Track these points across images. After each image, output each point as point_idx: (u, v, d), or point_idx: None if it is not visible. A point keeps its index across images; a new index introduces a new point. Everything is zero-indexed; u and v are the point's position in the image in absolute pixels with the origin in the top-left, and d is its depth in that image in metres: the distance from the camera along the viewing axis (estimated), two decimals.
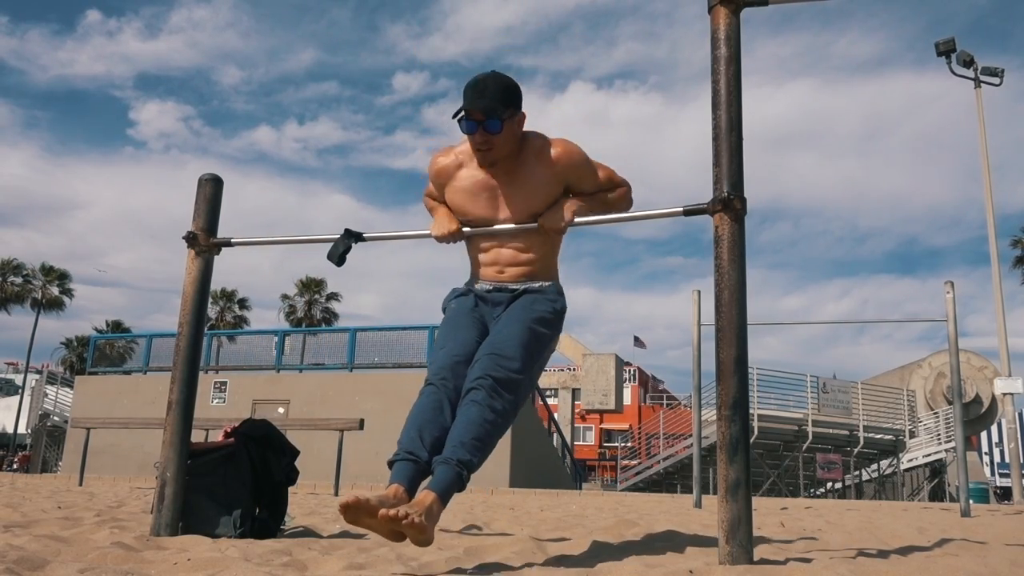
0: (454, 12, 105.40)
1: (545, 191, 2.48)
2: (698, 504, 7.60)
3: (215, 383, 17.02)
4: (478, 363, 2.33)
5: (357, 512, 1.96)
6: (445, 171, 2.57)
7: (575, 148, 2.50)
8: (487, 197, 2.51)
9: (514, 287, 2.54)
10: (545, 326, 2.47)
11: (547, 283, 2.57)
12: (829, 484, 25.40)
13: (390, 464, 2.26)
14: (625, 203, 2.61)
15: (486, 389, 2.26)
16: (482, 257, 2.60)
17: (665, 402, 42.20)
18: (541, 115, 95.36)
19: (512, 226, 2.51)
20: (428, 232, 2.58)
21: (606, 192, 2.57)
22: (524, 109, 2.45)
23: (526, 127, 2.50)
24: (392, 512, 1.92)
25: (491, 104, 2.34)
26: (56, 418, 24.90)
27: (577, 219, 2.47)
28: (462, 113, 2.38)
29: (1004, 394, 20.55)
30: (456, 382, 2.35)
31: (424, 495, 2.06)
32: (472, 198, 2.53)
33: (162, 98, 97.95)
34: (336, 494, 8.43)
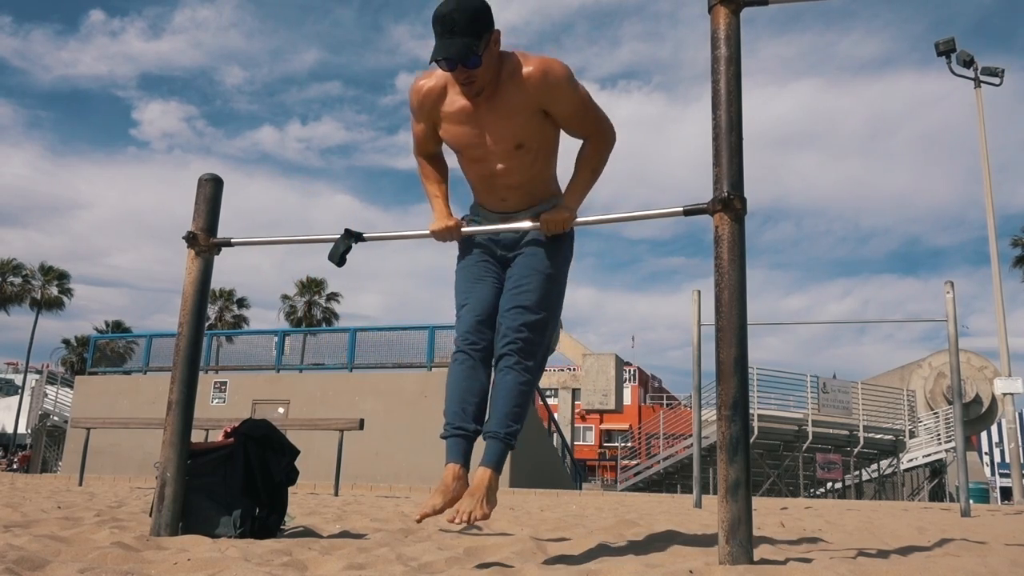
0: None
1: (524, 116, 2.41)
2: (698, 504, 7.60)
3: (215, 383, 17.00)
4: (503, 322, 2.46)
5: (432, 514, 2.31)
6: (431, 95, 2.49)
7: (553, 66, 2.37)
8: (472, 124, 2.46)
9: (520, 214, 2.54)
10: (558, 266, 2.53)
11: (549, 204, 2.54)
12: (829, 484, 25.39)
13: (443, 437, 2.46)
14: (604, 152, 2.53)
15: (516, 353, 2.42)
16: (479, 184, 2.58)
17: (665, 402, 42.19)
18: None
19: (511, 226, 2.51)
20: (427, 232, 2.58)
21: (583, 153, 2.52)
22: (496, 26, 2.35)
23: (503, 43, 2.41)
24: (458, 520, 2.18)
25: (465, 42, 2.25)
26: (56, 418, 24.88)
27: (579, 219, 2.47)
28: (439, 58, 2.29)
29: (1004, 394, 20.54)
30: (483, 342, 2.50)
31: (481, 473, 2.31)
32: (459, 127, 2.48)
33: (165, 98, 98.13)
34: (336, 494, 8.43)
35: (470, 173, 2.59)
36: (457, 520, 2.17)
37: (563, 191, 2.56)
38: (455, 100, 2.46)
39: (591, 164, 2.54)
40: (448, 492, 2.31)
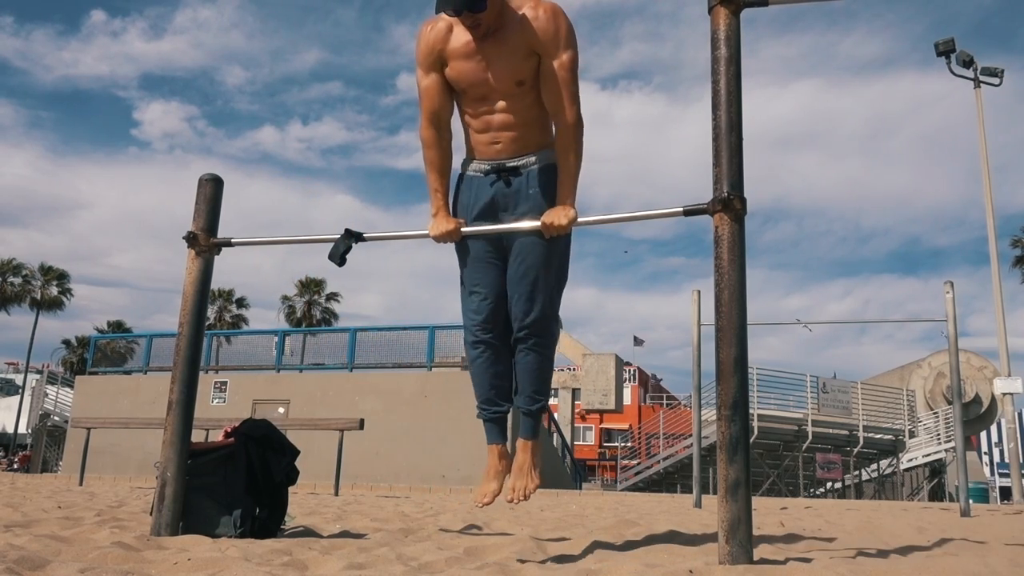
0: None
1: (521, 57, 2.46)
2: (698, 504, 7.60)
3: (215, 383, 17.00)
4: (515, 306, 2.57)
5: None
6: (438, 35, 2.53)
7: (558, 14, 2.44)
8: (476, 62, 2.50)
9: (512, 164, 2.56)
10: (559, 241, 2.55)
11: (545, 157, 2.57)
12: (829, 484, 25.39)
13: (480, 418, 2.70)
14: (578, 143, 2.53)
15: (534, 335, 2.57)
16: (475, 127, 2.60)
17: (665, 402, 42.18)
18: None
19: (512, 226, 2.52)
20: (427, 232, 2.59)
21: (562, 147, 2.53)
22: None
23: None
24: (516, 499, 2.53)
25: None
26: (56, 418, 24.87)
27: (580, 220, 2.47)
28: (447, 8, 2.35)
29: (1004, 394, 20.54)
30: (497, 327, 2.62)
31: (522, 447, 2.62)
32: (463, 64, 2.52)
33: (166, 98, 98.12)
34: (336, 494, 8.43)
35: (469, 115, 2.60)
36: (516, 499, 2.48)
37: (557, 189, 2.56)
38: (460, 36, 2.51)
39: (571, 151, 2.53)
40: (499, 474, 2.61)
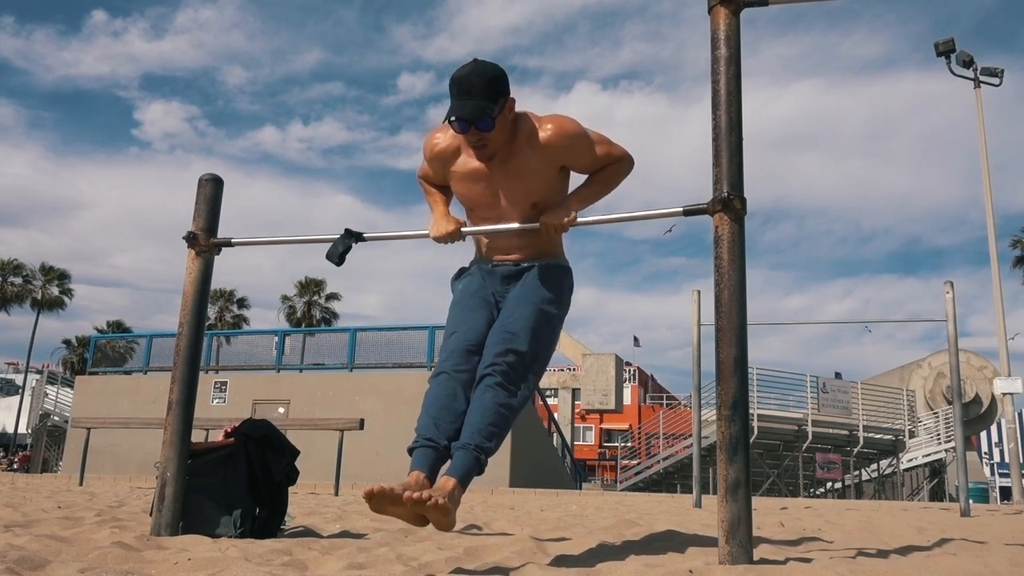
0: (460, 13, 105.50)
1: (541, 177, 2.46)
2: (698, 504, 7.60)
3: (215, 383, 17.00)
4: (489, 348, 2.37)
5: (381, 500, 2.01)
6: (443, 154, 2.56)
7: (566, 125, 2.44)
8: (486, 185, 2.50)
9: (517, 269, 2.55)
10: (554, 306, 2.48)
11: (553, 259, 2.57)
12: (829, 484, 25.39)
13: (410, 451, 2.30)
14: (621, 177, 2.57)
15: (499, 375, 2.30)
16: (489, 238, 2.60)
17: (665, 402, 42.18)
18: None
19: (513, 226, 2.51)
20: (427, 232, 2.59)
21: (601, 171, 2.53)
22: (512, 95, 2.41)
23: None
24: (417, 495, 1.98)
25: (479, 104, 2.30)
26: (56, 418, 24.88)
27: (579, 219, 2.47)
28: (452, 117, 2.34)
29: (1004, 394, 20.54)
30: (468, 369, 2.39)
31: (445, 480, 2.14)
32: (471, 186, 2.52)
33: (167, 98, 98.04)
34: (336, 494, 8.42)
35: (475, 223, 2.61)
36: (410, 497, 1.97)
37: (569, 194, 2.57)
38: (468, 161, 2.50)
39: (604, 179, 2.54)
40: (407, 486, 2.10)
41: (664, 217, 2.30)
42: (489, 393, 2.29)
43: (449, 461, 2.25)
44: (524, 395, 2.36)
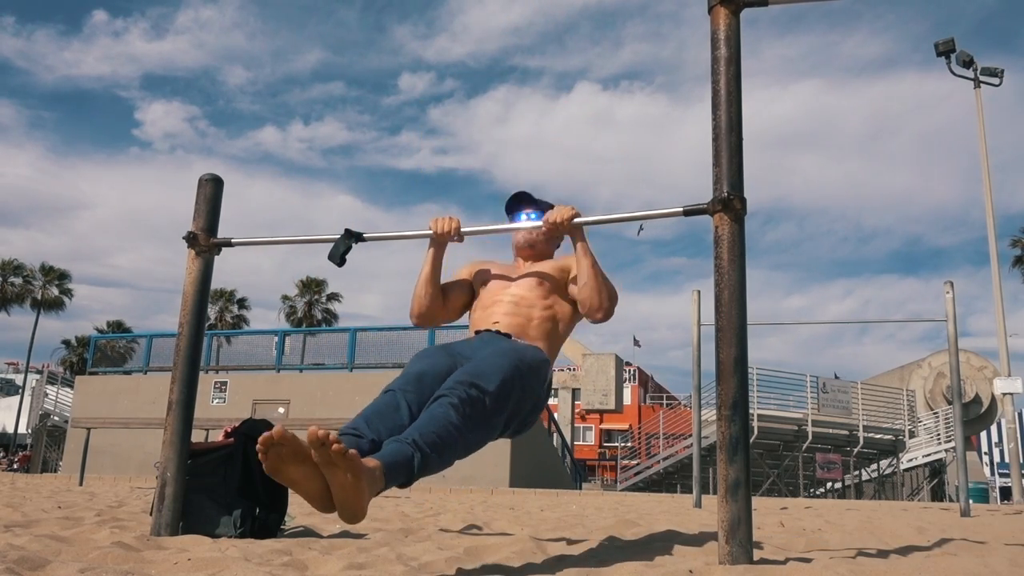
0: (460, 13, 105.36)
1: (554, 276, 2.67)
2: (698, 504, 7.60)
3: (215, 383, 17.01)
4: (453, 379, 2.14)
5: (279, 453, 1.66)
6: (483, 264, 2.84)
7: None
8: (509, 274, 2.73)
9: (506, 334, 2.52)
10: (530, 373, 2.30)
11: (537, 346, 2.49)
12: (829, 484, 25.40)
13: None
14: (611, 296, 2.57)
15: (457, 398, 2.04)
16: (478, 313, 2.68)
17: (665, 402, 42.19)
18: (547, 116, 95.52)
19: (514, 225, 2.52)
20: (428, 232, 2.61)
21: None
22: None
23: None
24: (323, 432, 1.62)
25: (532, 202, 2.75)
26: (56, 418, 24.89)
27: (579, 219, 2.48)
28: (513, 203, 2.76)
29: (1004, 394, 20.54)
30: (419, 393, 2.15)
31: (367, 460, 1.76)
32: (496, 276, 2.74)
33: (168, 98, 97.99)
34: None
35: (486, 299, 2.69)
36: (315, 432, 1.62)
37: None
38: (501, 267, 2.80)
39: (599, 270, 2.56)
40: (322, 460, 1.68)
41: (664, 217, 2.30)
42: (442, 409, 2.01)
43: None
44: (474, 438, 2.08)
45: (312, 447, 1.63)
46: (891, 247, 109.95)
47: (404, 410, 2.11)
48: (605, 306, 2.50)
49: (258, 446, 1.65)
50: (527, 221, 2.64)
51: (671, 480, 25.60)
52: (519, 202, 2.76)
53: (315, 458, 1.65)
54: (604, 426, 42.19)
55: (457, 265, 2.85)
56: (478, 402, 2.08)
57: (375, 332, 16.98)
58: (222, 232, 2.80)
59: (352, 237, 2.59)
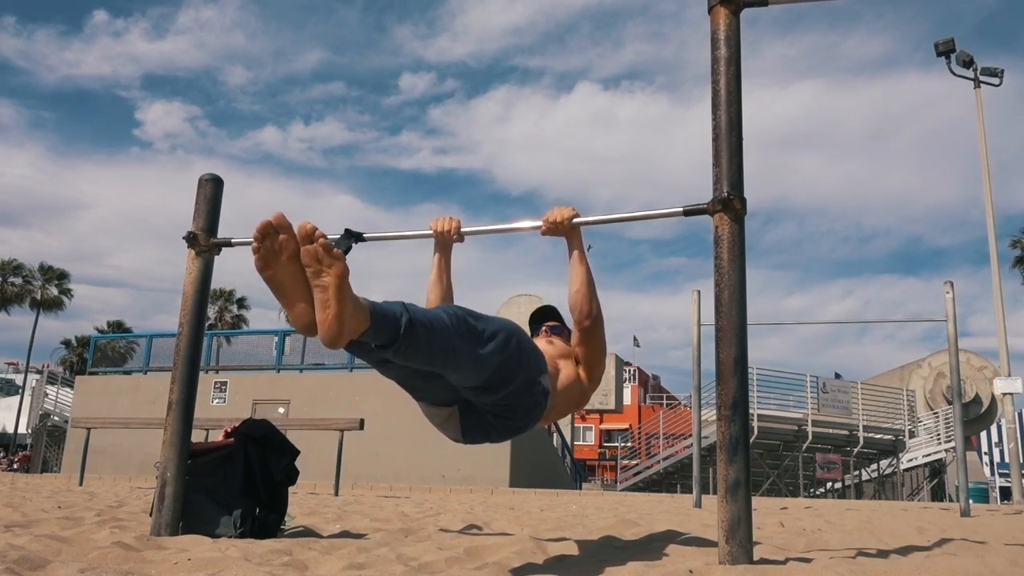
0: (461, 13, 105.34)
1: (567, 347, 2.64)
2: (698, 504, 7.60)
3: (215, 383, 17.01)
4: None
5: (272, 247, 1.62)
6: None
7: None
8: None
9: None
10: (532, 352, 2.21)
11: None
12: (829, 484, 25.40)
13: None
14: (600, 326, 2.56)
15: (453, 312, 1.93)
16: None
17: (665, 402, 42.18)
18: (547, 116, 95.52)
19: (513, 226, 2.52)
20: (428, 232, 2.62)
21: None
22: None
23: None
24: (311, 226, 1.59)
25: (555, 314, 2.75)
26: (56, 418, 24.89)
27: (579, 219, 2.49)
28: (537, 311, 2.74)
29: (1004, 394, 20.53)
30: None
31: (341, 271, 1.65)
32: None
33: (168, 98, 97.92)
34: (336, 494, 8.43)
35: None
36: (305, 225, 1.60)
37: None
38: None
39: (591, 279, 2.54)
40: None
41: (664, 217, 2.30)
42: (436, 310, 1.90)
43: None
44: (463, 346, 1.89)
45: (301, 242, 1.60)
46: (891, 247, 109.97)
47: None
48: (594, 314, 2.51)
49: (254, 233, 1.61)
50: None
51: (671, 480, 25.59)
52: (545, 316, 2.72)
53: (303, 258, 1.60)
54: (604, 426, 42.19)
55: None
56: (471, 326, 1.95)
57: None
58: (222, 232, 2.80)
59: (352, 237, 2.59)
